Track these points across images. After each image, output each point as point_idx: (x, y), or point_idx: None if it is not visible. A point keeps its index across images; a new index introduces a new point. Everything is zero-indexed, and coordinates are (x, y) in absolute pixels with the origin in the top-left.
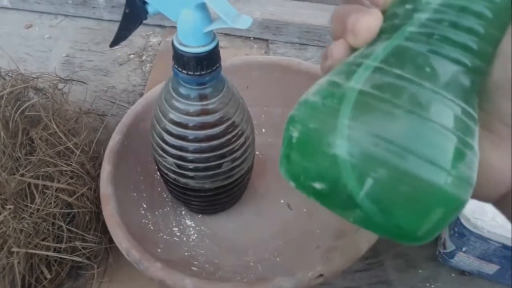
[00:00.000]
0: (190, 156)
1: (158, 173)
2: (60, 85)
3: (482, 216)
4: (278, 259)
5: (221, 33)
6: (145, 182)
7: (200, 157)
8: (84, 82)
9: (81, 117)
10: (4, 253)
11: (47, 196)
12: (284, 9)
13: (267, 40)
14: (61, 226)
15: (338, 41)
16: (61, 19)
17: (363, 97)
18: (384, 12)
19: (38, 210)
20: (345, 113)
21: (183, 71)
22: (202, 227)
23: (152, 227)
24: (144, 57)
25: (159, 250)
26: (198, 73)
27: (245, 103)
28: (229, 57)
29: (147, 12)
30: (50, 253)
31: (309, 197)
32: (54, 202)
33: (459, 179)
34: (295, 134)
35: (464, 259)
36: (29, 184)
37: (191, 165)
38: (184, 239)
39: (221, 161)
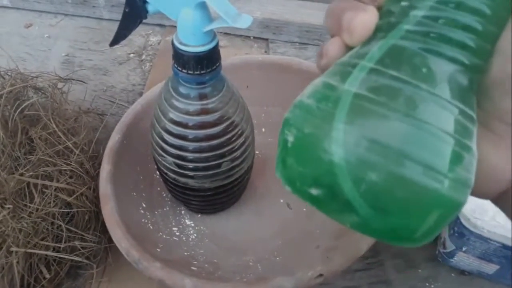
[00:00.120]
0: (189, 155)
1: (157, 172)
2: (60, 85)
3: (482, 215)
4: (277, 258)
5: (221, 32)
6: (144, 181)
7: (200, 157)
8: (83, 82)
9: (80, 117)
10: (3, 252)
11: (46, 196)
12: (284, 8)
13: (267, 39)
14: (60, 225)
15: (333, 39)
16: (61, 18)
17: (358, 101)
18: (379, 9)
19: (37, 209)
20: (340, 118)
21: (183, 70)
22: (201, 227)
23: (151, 227)
24: (143, 56)
25: (159, 250)
26: (198, 72)
27: (245, 102)
28: (229, 57)
29: (147, 11)
30: (49, 253)
31: (305, 202)
32: (53, 201)
33: (456, 182)
34: (290, 138)
35: (464, 259)
36: (28, 184)
37: (190, 165)
38: (184, 238)
39: (221, 160)
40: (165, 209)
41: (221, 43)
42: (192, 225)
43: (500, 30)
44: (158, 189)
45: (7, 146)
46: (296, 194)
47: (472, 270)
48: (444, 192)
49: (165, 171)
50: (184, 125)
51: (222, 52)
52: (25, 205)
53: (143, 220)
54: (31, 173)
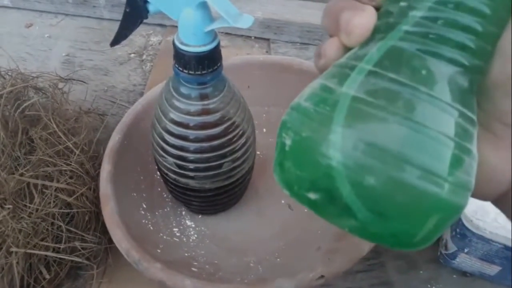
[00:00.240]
0: (190, 156)
1: (158, 173)
2: (60, 85)
3: (484, 217)
4: (278, 259)
5: (222, 32)
6: (145, 182)
7: (201, 157)
8: (84, 82)
9: (81, 117)
10: (3, 253)
11: (46, 196)
12: (285, 8)
13: (268, 39)
14: (60, 226)
15: (331, 40)
16: (61, 18)
17: (357, 104)
18: (378, 9)
19: (37, 210)
20: (338, 121)
21: (184, 70)
22: (202, 228)
23: (152, 228)
24: (144, 57)
25: (159, 251)
26: (199, 72)
27: (246, 102)
28: (230, 57)
29: (147, 11)
30: (49, 253)
31: (303, 206)
32: (54, 202)
33: (457, 185)
34: (288, 141)
35: (465, 260)
36: (28, 184)
37: (191, 165)
38: (184, 239)
39: (222, 161)
40: (165, 209)
41: (222, 43)
42: (193, 225)
43: (500, 31)
44: (159, 189)
45: (7, 146)
46: (294, 198)
47: (474, 272)
48: (444, 196)
49: (166, 171)
50: (185, 126)
51: (223, 52)
52: (25, 206)
53: (143, 221)
54: (31, 173)
